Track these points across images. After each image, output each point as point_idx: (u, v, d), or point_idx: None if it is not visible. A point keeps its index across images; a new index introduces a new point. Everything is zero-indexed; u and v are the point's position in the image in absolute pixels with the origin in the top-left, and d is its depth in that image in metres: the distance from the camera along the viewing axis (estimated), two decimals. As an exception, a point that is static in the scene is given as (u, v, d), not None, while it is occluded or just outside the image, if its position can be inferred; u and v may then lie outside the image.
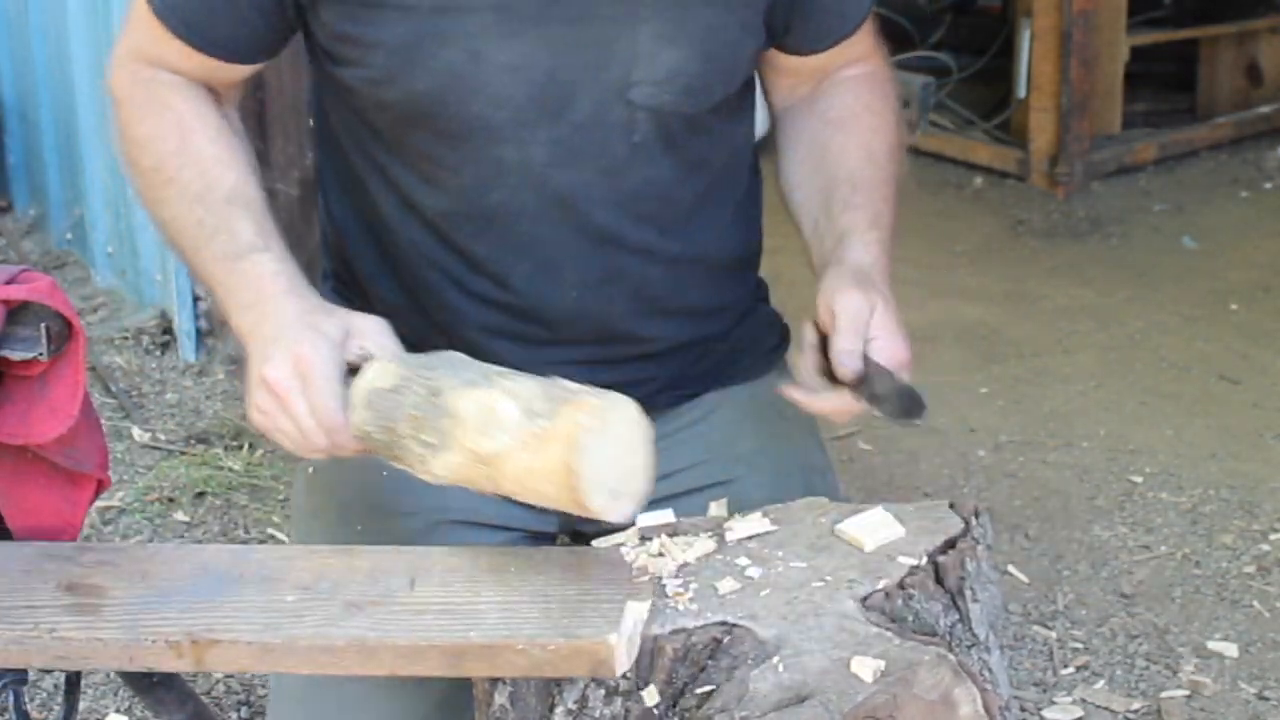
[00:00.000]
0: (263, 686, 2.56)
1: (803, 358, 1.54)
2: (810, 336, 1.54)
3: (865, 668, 1.19)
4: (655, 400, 1.74)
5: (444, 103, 1.55)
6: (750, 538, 1.41)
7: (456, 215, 1.60)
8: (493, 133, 1.57)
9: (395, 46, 1.53)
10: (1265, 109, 5.70)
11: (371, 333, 1.46)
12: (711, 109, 1.64)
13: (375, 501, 1.67)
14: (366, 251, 1.70)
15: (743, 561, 1.36)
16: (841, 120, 1.71)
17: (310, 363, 1.41)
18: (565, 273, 1.62)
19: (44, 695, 2.54)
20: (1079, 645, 2.77)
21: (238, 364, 1.84)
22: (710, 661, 1.24)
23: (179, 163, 1.56)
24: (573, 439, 1.27)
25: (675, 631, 1.26)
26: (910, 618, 1.29)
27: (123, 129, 1.64)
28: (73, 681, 1.53)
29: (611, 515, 1.31)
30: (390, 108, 1.58)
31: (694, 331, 1.73)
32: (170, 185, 1.56)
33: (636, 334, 1.67)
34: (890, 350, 1.51)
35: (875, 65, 1.77)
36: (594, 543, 1.41)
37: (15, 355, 1.45)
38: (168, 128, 1.58)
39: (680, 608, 1.29)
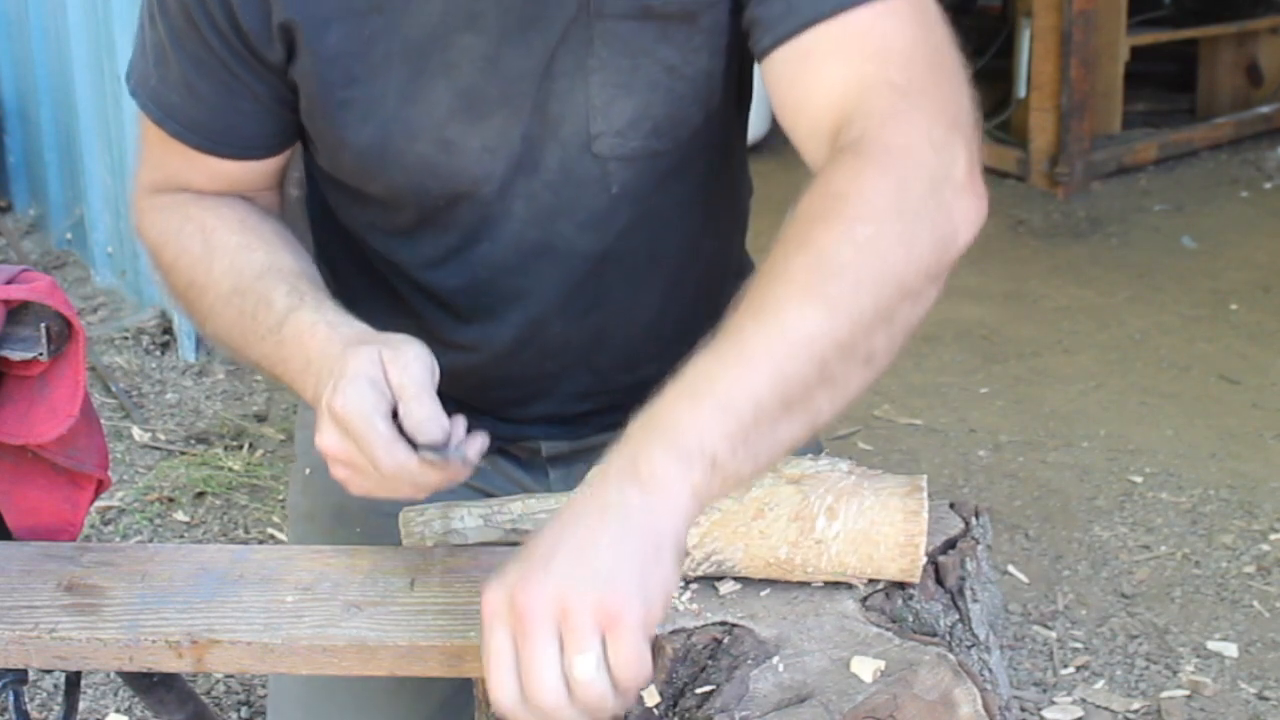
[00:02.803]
0: (263, 686, 2.57)
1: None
2: None
3: (865, 668, 1.19)
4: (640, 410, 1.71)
5: (423, 190, 1.48)
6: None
7: (440, 274, 1.55)
8: (476, 199, 1.49)
9: (364, 148, 1.46)
10: (1265, 109, 5.71)
11: (403, 360, 1.28)
12: (691, 135, 1.49)
13: (372, 504, 1.66)
14: (362, 297, 1.61)
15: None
16: (800, 219, 1.21)
17: (344, 415, 1.25)
18: (551, 336, 1.56)
19: (44, 695, 2.54)
20: (1079, 645, 2.77)
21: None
22: (710, 661, 1.24)
23: (207, 266, 1.46)
24: (921, 488, 1.29)
25: (675, 631, 1.25)
26: (910, 618, 1.29)
27: (157, 265, 1.54)
28: (73, 681, 1.52)
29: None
30: (369, 194, 1.52)
31: (684, 353, 1.70)
32: (207, 293, 1.45)
33: (623, 383, 1.60)
34: None
35: (880, 124, 1.24)
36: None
37: (15, 355, 1.44)
38: (189, 237, 1.49)
39: (680, 608, 1.29)
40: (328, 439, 1.28)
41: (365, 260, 1.60)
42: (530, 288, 1.53)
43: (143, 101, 1.50)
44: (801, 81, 1.34)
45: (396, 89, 1.43)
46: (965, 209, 1.24)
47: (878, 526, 1.28)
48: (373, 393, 1.26)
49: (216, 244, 1.47)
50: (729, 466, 1.10)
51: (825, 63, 1.32)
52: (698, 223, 1.58)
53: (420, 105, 1.43)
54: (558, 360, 1.59)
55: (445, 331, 1.57)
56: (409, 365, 1.28)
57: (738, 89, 1.52)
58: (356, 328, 1.35)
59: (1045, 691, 2.64)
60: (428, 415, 1.27)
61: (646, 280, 1.57)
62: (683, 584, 1.32)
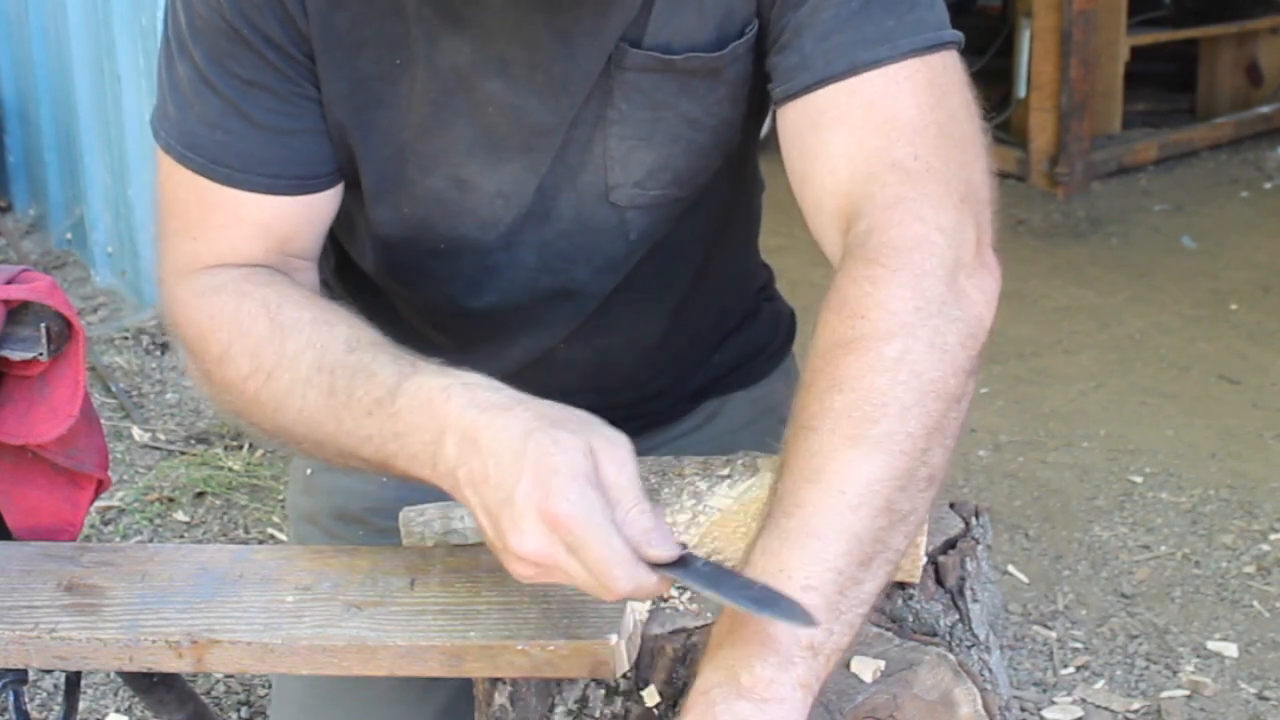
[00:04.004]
0: (263, 686, 2.57)
1: None
2: None
3: (865, 668, 1.19)
4: (652, 420, 1.71)
5: (429, 225, 1.44)
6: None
7: (447, 314, 1.53)
8: (481, 247, 1.46)
9: (379, 170, 1.40)
10: (1265, 109, 5.71)
11: (620, 457, 1.10)
12: (711, 177, 1.47)
13: (372, 507, 1.65)
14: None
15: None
16: (823, 349, 1.19)
17: (572, 524, 1.06)
18: (558, 358, 1.55)
19: (44, 695, 2.54)
20: (1079, 645, 2.77)
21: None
22: (710, 661, 1.24)
23: (278, 346, 1.28)
24: None
25: (675, 631, 1.25)
26: (910, 618, 1.29)
27: (202, 357, 1.35)
28: (73, 681, 1.52)
29: None
30: (375, 225, 1.47)
31: (691, 368, 1.68)
32: (278, 376, 1.27)
33: (626, 400, 1.61)
34: None
35: (885, 216, 1.22)
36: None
37: (15, 355, 1.45)
38: (249, 318, 1.30)
39: (680, 608, 1.29)
40: (535, 542, 1.08)
41: (367, 280, 1.58)
42: (542, 322, 1.53)
43: (180, 153, 1.36)
44: (810, 149, 1.30)
45: (418, 121, 1.39)
46: (981, 287, 1.22)
47: None
48: (598, 499, 1.08)
49: (286, 320, 1.29)
50: (828, 645, 1.08)
51: (832, 131, 1.29)
52: (710, 246, 1.57)
53: (441, 140, 1.40)
54: (562, 379, 1.57)
55: (448, 354, 1.57)
56: (626, 464, 1.10)
57: (757, 113, 1.46)
58: (505, 393, 1.16)
59: (1045, 691, 2.64)
60: (654, 526, 1.10)
61: (656, 306, 1.57)
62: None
